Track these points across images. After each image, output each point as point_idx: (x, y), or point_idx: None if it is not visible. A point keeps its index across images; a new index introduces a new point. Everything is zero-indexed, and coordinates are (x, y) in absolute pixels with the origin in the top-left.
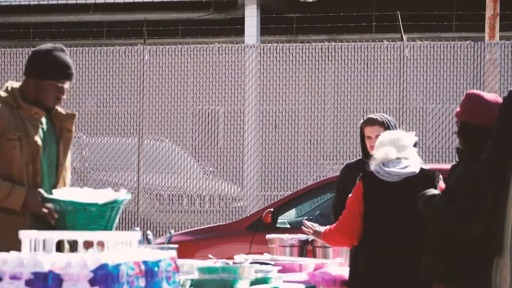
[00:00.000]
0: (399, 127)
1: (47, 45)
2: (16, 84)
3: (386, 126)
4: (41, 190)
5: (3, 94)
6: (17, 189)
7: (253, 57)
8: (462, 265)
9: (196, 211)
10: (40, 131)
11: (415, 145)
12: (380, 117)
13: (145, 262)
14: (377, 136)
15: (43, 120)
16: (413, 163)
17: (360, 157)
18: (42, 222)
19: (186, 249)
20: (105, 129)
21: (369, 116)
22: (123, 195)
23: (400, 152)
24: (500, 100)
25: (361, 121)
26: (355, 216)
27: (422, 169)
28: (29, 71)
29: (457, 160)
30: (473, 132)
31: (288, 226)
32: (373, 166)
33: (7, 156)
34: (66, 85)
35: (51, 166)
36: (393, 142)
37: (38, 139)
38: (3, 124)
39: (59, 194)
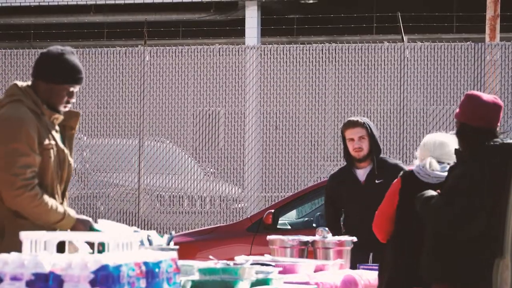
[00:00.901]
0: (399, 128)
1: (57, 48)
2: (25, 84)
3: (366, 127)
4: (90, 219)
5: (26, 100)
6: (70, 215)
7: (253, 58)
8: (460, 266)
9: (197, 212)
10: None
11: None
12: (360, 119)
13: (145, 263)
14: (359, 137)
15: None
16: None
17: (342, 166)
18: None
19: (187, 250)
20: (105, 130)
21: (349, 119)
22: (159, 238)
23: (444, 158)
24: (499, 101)
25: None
26: (387, 213)
27: None
28: (39, 74)
29: (455, 160)
30: (472, 133)
31: (289, 227)
32: (416, 163)
33: (43, 165)
34: (76, 89)
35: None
36: (438, 146)
37: (63, 146)
38: (40, 134)
39: (103, 226)
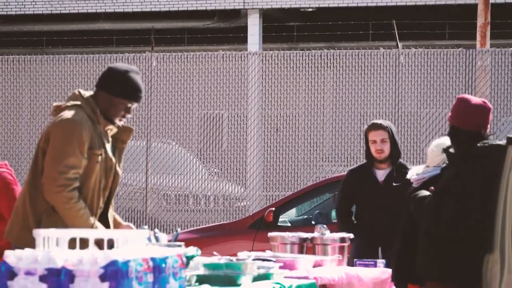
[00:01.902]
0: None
1: (124, 65)
2: (88, 94)
3: (389, 131)
4: None
5: (85, 106)
6: (98, 227)
7: (255, 64)
8: (457, 266)
9: (202, 210)
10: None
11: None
12: (384, 122)
13: (153, 259)
14: (382, 140)
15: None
16: (432, 170)
17: (362, 163)
18: None
19: (192, 246)
20: None
21: (373, 121)
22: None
23: (431, 163)
24: (488, 104)
25: (365, 126)
26: None
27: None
28: (103, 85)
29: (447, 162)
30: (463, 135)
31: (289, 224)
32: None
33: (89, 169)
34: (134, 106)
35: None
36: (429, 155)
37: (112, 156)
38: (92, 139)
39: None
